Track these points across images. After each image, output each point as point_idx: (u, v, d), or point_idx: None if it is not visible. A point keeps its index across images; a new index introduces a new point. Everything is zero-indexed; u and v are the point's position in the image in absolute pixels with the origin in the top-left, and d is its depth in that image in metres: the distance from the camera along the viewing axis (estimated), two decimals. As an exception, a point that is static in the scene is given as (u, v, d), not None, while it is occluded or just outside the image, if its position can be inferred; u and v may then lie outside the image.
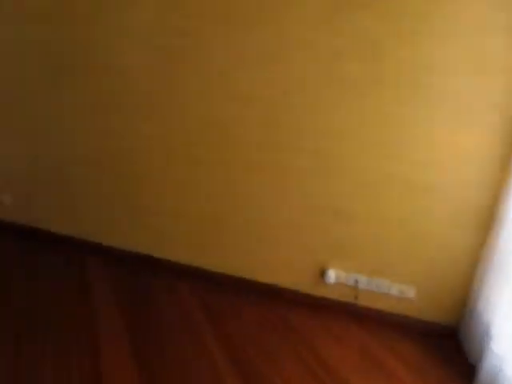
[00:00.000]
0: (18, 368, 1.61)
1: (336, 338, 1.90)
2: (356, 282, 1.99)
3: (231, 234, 2.12)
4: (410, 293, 1.93)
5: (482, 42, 1.54)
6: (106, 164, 2.21)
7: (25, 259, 2.35)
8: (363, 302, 2.02)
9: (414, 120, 1.70)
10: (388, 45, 1.63)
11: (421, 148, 1.72)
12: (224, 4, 1.75)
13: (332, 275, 2.00)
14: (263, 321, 1.98)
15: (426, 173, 1.74)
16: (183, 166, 2.08)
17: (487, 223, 1.75)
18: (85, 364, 1.64)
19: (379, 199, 1.84)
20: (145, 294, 2.09)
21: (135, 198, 2.23)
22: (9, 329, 1.82)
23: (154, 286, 2.17)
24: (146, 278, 2.24)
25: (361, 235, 1.92)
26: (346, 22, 1.65)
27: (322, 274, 2.04)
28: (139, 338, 1.80)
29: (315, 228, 1.97)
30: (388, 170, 1.79)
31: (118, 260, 2.37)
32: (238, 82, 1.85)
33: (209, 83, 1.89)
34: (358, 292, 2.01)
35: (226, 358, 1.72)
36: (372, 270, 1.96)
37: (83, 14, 1.97)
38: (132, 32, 1.92)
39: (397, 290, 1.94)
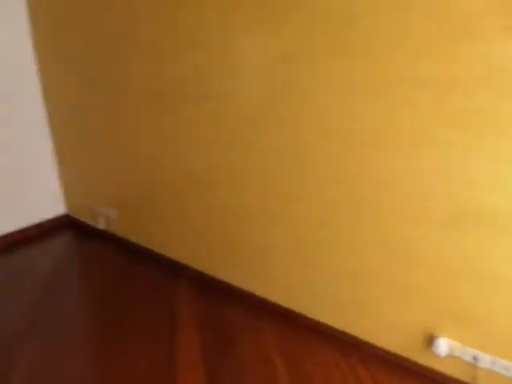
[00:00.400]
0: (101, 370, 1.74)
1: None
2: (475, 359, 1.60)
3: (325, 278, 1.90)
4: (553, 387, 1.48)
5: None
6: (205, 191, 2.18)
7: (124, 269, 2.51)
8: (483, 384, 1.63)
9: None
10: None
11: None
12: (339, 32, 1.55)
13: (443, 345, 1.64)
14: (345, 375, 1.73)
15: None
16: (278, 200, 1.93)
17: None
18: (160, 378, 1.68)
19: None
20: (226, 324, 2.01)
21: (231, 228, 2.15)
22: (97, 331, 1.96)
23: (238, 319, 2.06)
24: (231, 308, 2.14)
25: (490, 302, 1.53)
26: (462, 50, 1.31)
27: (430, 340, 1.70)
28: (214, 365, 1.76)
29: (428, 283, 1.64)
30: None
31: (208, 286, 2.33)
32: (357, 115, 1.63)
33: (316, 114, 1.71)
34: (477, 372, 1.62)
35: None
36: (499, 347, 1.55)
37: (193, 41, 1.96)
38: (244, 60, 1.85)
39: (533, 379, 1.51)
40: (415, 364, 1.76)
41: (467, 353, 1.61)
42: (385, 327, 1.80)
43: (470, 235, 1.48)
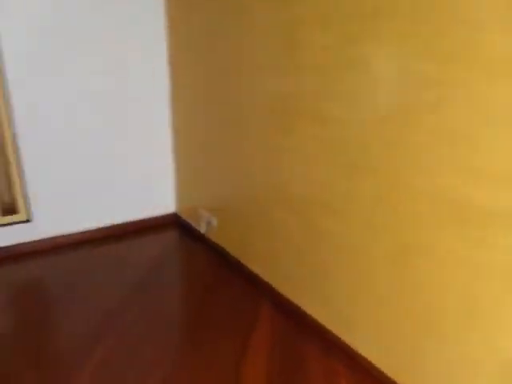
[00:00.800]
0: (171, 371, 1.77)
1: None
2: None
3: (430, 339, 1.60)
4: None
5: None
6: (313, 216, 2.06)
7: (215, 275, 2.58)
8: None
9: None
10: None
11: None
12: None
13: None
14: None
15: None
16: (381, 235, 1.70)
17: None
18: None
19: None
20: (298, 352, 1.93)
21: (328, 260, 2.00)
22: (177, 332, 2.03)
23: (311, 351, 1.95)
24: (307, 339, 2.03)
25: None
26: None
27: None
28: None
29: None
30: None
31: (290, 312, 2.23)
32: (484, 150, 1.32)
33: (436, 145, 1.45)
34: None
35: None
36: None
37: (316, 61, 1.89)
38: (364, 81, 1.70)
39: None
40: None
41: None
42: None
43: None
